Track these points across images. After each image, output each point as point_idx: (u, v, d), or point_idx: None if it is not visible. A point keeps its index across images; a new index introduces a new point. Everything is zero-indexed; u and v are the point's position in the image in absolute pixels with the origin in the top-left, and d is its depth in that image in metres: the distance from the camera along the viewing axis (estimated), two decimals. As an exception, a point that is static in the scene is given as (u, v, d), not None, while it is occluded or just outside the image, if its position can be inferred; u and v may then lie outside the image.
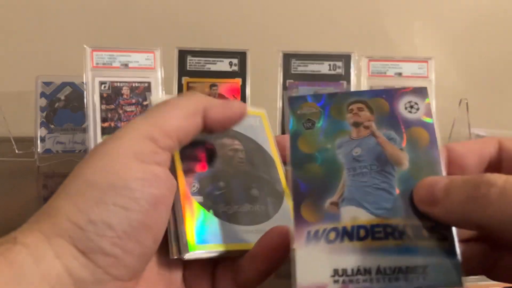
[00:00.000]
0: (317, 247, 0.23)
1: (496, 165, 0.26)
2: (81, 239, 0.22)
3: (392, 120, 0.26)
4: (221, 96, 0.75)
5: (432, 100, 0.76)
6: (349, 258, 0.23)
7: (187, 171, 0.28)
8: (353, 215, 0.24)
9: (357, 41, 1.01)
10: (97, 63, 0.73)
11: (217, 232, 0.27)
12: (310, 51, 0.77)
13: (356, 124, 0.27)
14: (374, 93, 0.27)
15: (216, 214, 0.28)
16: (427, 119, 0.26)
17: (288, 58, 0.77)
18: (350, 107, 0.27)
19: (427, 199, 0.23)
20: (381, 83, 0.77)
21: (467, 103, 0.79)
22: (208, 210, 0.28)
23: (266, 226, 0.28)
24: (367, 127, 0.26)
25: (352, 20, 1.02)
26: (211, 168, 0.30)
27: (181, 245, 0.26)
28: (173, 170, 0.28)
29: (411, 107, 0.27)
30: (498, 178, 0.20)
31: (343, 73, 0.76)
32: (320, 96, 0.28)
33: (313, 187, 0.25)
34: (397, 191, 0.24)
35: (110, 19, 1.01)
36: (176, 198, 0.27)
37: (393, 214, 0.24)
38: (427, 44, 1.02)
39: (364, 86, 0.77)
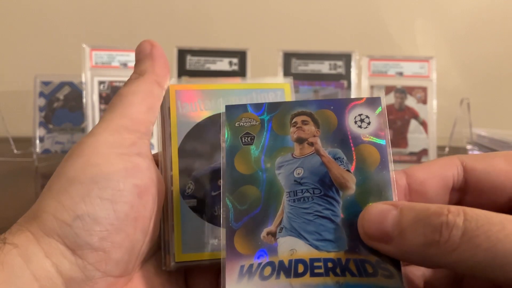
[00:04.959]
0: (250, 285, 0.21)
1: (461, 187, 0.24)
2: (69, 236, 0.22)
3: (339, 136, 0.23)
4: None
5: (433, 100, 0.76)
6: None
7: (185, 170, 0.27)
8: (292, 247, 0.22)
9: (358, 40, 1.01)
10: (96, 63, 0.73)
11: (209, 239, 0.26)
12: (311, 50, 0.77)
13: (300, 140, 0.24)
14: (321, 104, 0.24)
15: (209, 219, 0.26)
16: (379, 137, 0.23)
17: (288, 57, 0.77)
18: (294, 120, 0.24)
19: (377, 236, 0.21)
20: (382, 83, 0.77)
21: (468, 103, 0.78)
22: (201, 215, 0.26)
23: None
24: (311, 144, 0.23)
25: (353, 19, 1.02)
26: (212, 165, 0.27)
27: (170, 255, 0.26)
28: (169, 168, 0.27)
29: (362, 121, 0.24)
30: (457, 217, 0.19)
31: (343, 73, 0.76)
32: (261, 106, 0.24)
33: (249, 214, 0.22)
34: (341, 219, 0.22)
35: (109, 18, 1.00)
36: (169, 203, 0.26)
37: (335, 247, 0.21)
38: (429, 43, 1.02)
39: (365, 86, 0.77)
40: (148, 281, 0.26)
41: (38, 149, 0.77)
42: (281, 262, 0.21)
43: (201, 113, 0.28)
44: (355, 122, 0.24)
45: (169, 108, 0.27)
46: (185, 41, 0.80)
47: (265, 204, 0.23)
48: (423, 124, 0.75)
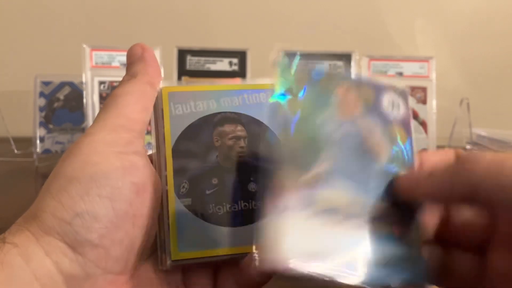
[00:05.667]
0: (288, 219, 0.22)
1: None
2: (69, 234, 0.22)
3: (375, 113, 0.26)
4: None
5: (433, 100, 0.76)
6: (320, 238, 0.22)
7: (179, 170, 0.27)
8: (331, 194, 0.23)
9: (358, 40, 1.01)
10: (96, 63, 0.73)
11: (204, 237, 0.26)
12: (311, 50, 0.77)
13: (343, 105, 0.26)
14: (366, 81, 0.27)
15: (204, 217, 0.27)
16: (407, 121, 0.27)
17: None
18: (340, 87, 0.26)
19: (411, 184, 0.24)
20: (382, 83, 0.77)
21: (468, 103, 0.78)
22: (196, 214, 0.27)
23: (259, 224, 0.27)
24: (353, 111, 0.26)
25: (352, 19, 1.02)
26: (206, 164, 0.28)
27: (166, 254, 0.26)
28: (164, 168, 0.27)
29: (393, 105, 0.27)
30: (487, 153, 0.21)
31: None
32: (313, 68, 0.27)
33: (292, 156, 0.24)
34: (374, 182, 0.25)
35: (109, 18, 1.00)
36: (164, 202, 0.27)
37: (374, 200, 0.24)
38: (428, 43, 1.02)
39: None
40: (147, 279, 0.26)
41: (38, 149, 0.77)
42: (319, 206, 0.23)
43: (194, 114, 0.28)
44: (388, 105, 0.27)
45: (162, 109, 0.28)
46: (185, 41, 0.80)
47: (307, 150, 0.24)
48: (423, 124, 0.75)
